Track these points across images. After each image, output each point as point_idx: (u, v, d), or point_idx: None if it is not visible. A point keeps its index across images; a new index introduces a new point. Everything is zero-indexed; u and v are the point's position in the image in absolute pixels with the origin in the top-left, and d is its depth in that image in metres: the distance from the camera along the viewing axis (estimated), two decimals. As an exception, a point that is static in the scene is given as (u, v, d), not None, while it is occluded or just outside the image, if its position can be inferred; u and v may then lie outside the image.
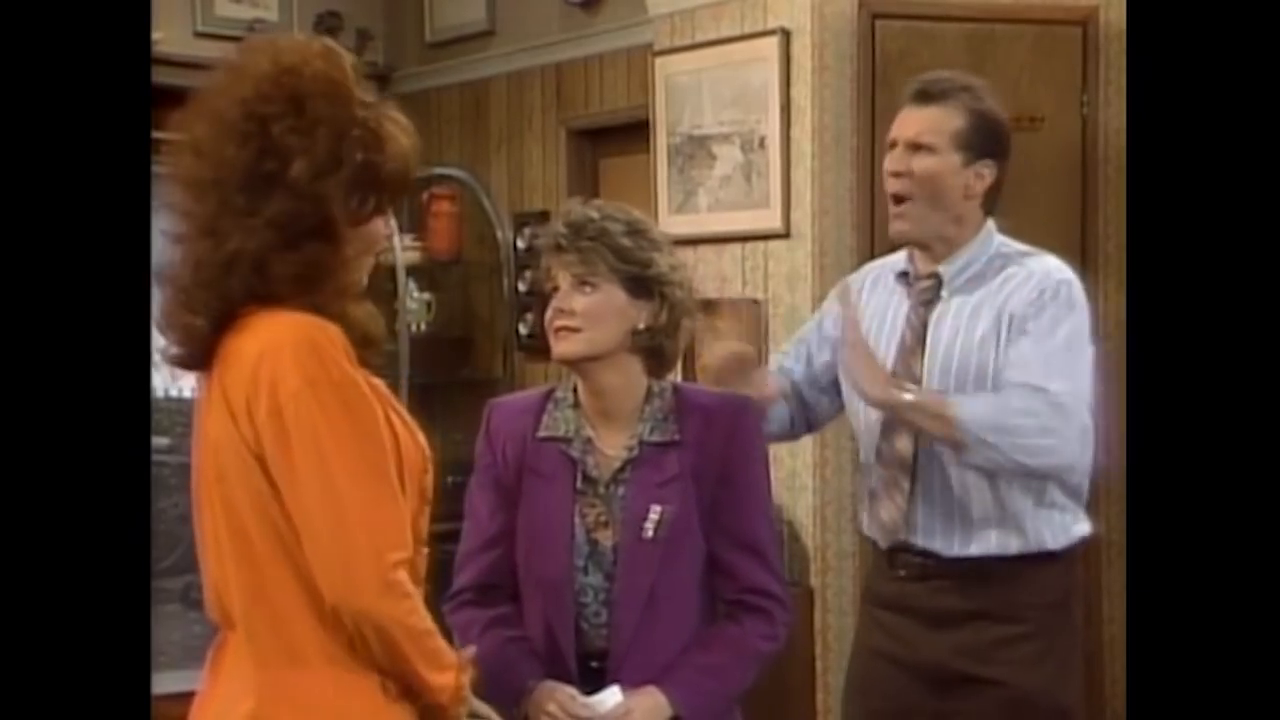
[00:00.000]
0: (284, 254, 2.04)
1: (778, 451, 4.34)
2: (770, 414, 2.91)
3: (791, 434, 3.12)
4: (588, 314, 2.52)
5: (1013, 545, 2.80)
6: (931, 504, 2.83)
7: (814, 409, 3.06)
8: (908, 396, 2.73)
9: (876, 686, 2.95)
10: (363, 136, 2.09)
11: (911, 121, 2.86)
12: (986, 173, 2.84)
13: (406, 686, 2.10)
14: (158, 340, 2.14)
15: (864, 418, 2.92)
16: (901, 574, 2.90)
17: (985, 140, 2.84)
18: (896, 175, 2.84)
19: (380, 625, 2.03)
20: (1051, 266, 2.83)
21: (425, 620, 2.09)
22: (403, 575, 2.05)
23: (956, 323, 2.82)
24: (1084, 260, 4.25)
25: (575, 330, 2.53)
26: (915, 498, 2.84)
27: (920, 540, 2.85)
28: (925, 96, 2.86)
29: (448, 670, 2.12)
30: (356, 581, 2.01)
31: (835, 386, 3.00)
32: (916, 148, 2.82)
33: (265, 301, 2.06)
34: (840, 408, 3.04)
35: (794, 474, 4.33)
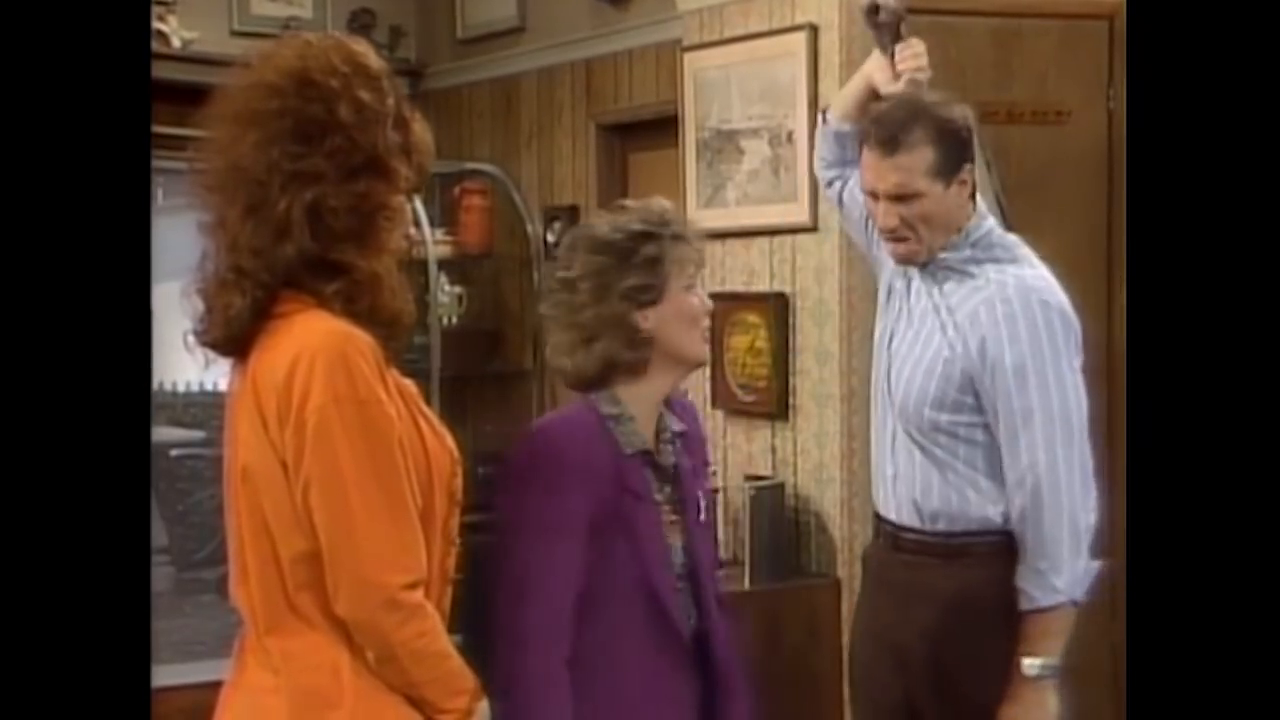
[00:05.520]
0: (339, 186, 2.08)
1: (805, 443, 4.38)
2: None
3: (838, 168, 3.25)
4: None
5: (961, 526, 2.84)
6: (910, 480, 2.89)
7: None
8: None
9: (860, 667, 3.06)
10: (392, 114, 2.15)
11: (884, 173, 2.82)
12: (967, 175, 2.85)
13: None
14: (186, 324, 2.15)
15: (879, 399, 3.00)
16: (880, 542, 3.01)
17: (957, 151, 2.83)
18: (892, 229, 2.85)
19: (384, 645, 2.05)
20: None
21: (438, 642, 2.10)
22: (413, 597, 2.05)
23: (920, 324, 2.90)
24: (1109, 254, 4.27)
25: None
26: (897, 472, 2.92)
27: (894, 514, 2.94)
28: (890, 145, 2.80)
29: (461, 695, 2.12)
30: (362, 601, 2.03)
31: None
32: (899, 198, 2.82)
33: (310, 276, 2.08)
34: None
35: (821, 465, 4.35)
